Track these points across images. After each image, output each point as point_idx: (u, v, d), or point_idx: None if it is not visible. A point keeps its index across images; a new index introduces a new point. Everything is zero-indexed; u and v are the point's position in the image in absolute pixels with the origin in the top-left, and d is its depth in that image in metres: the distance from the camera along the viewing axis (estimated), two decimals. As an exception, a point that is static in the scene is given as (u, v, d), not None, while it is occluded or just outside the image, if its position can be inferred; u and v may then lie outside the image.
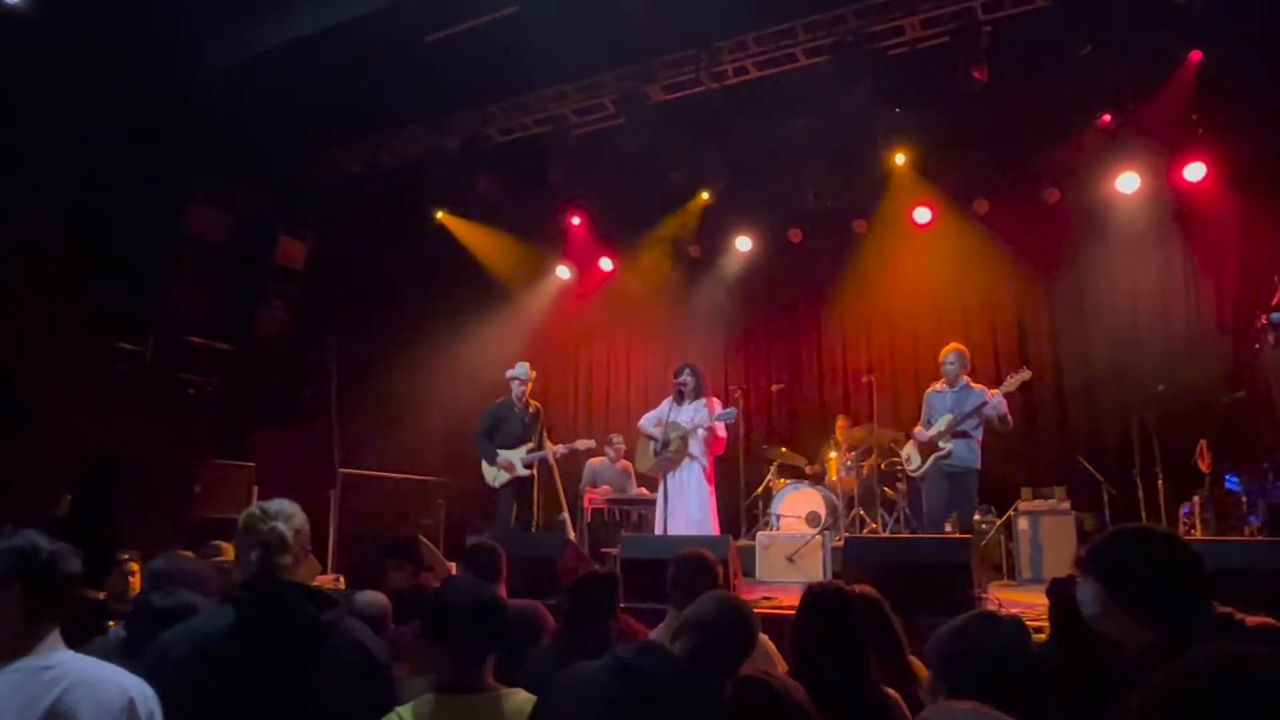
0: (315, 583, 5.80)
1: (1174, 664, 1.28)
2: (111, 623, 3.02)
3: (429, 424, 9.74)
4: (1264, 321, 5.97)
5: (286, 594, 1.99)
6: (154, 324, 7.97)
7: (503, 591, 3.99)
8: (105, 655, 1.97)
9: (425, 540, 5.78)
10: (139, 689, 1.79)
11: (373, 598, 3.01)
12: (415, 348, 9.67)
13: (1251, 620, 2.06)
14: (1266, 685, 1.19)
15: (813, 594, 2.60)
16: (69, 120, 6.91)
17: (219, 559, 3.76)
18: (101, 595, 4.01)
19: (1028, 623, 3.52)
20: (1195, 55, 7.06)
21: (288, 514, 2.14)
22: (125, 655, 2.23)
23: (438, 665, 2.22)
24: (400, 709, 2.02)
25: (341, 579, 6.68)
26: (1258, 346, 6.46)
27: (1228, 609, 2.05)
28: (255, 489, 7.73)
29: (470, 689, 2.17)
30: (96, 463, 6.94)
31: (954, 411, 6.46)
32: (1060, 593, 2.76)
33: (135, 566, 4.19)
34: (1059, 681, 2.27)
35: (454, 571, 4.60)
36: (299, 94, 7.28)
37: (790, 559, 7.03)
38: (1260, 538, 5.80)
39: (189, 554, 3.10)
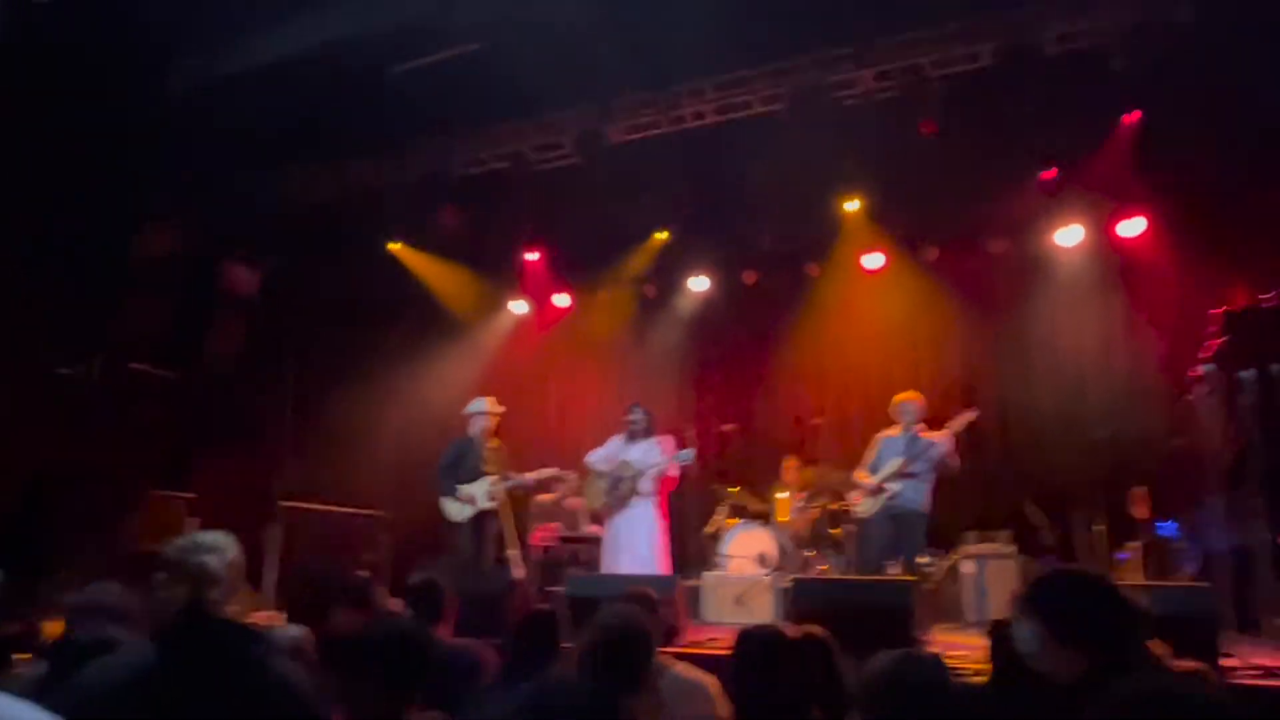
0: (252, 618, 5.64)
1: (1121, 687, 1.35)
2: (25, 656, 2.89)
3: (377, 457, 9.59)
4: (1198, 372, 6.18)
5: (215, 629, 1.93)
6: (99, 348, 7.77)
7: (448, 630, 3.92)
8: (20, 692, 1.89)
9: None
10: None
11: (293, 633, 2.92)
12: (366, 379, 9.54)
13: (1179, 665, 2.14)
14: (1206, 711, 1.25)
15: (745, 639, 2.61)
16: (17, 137, 6.77)
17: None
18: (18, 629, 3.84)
19: (970, 665, 3.57)
20: (1134, 115, 7.35)
21: (219, 547, 2.08)
22: (42, 692, 2.13)
23: (360, 704, 2.17)
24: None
25: (281, 615, 6.49)
26: (1192, 397, 6.67)
27: (1158, 654, 2.13)
28: (196, 520, 7.52)
29: (392, 725, 2.12)
30: (28, 488, 6.70)
31: (904, 455, 6.57)
32: (1000, 634, 2.84)
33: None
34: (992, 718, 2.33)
35: (395, 609, 4.50)
36: (260, 119, 7.25)
37: (738, 600, 7.00)
38: (1190, 583, 5.94)
39: (116, 586, 2.98)
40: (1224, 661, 4.28)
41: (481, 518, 7.06)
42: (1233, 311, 6.06)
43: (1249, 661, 4.31)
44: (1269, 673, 3.96)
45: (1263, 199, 7.42)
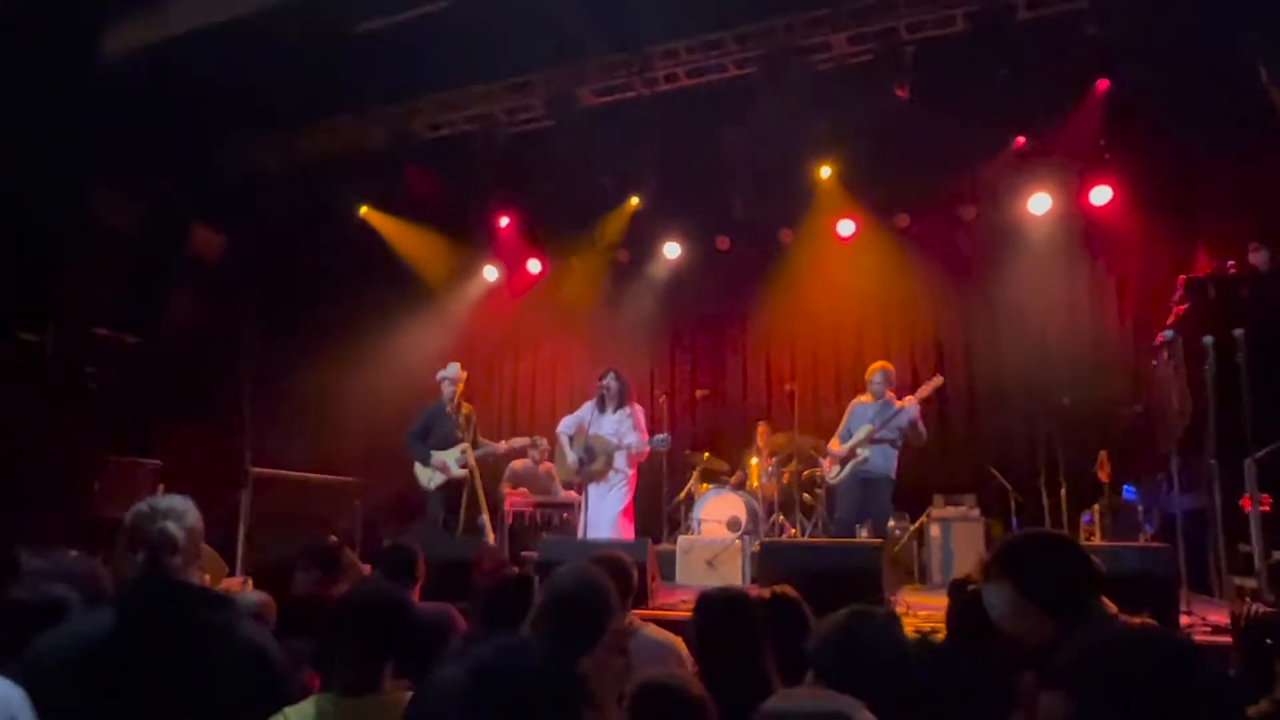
0: (222, 585, 5.60)
1: (1091, 634, 1.40)
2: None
3: (348, 423, 9.51)
4: (1160, 339, 6.27)
5: (175, 595, 1.90)
6: (55, 313, 7.59)
7: (417, 594, 3.92)
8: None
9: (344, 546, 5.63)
10: (4, 691, 1.68)
11: (254, 598, 2.90)
12: (335, 344, 9.43)
13: (1134, 621, 2.19)
14: (1167, 653, 1.36)
15: (704, 600, 2.65)
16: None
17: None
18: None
19: (936, 624, 3.63)
20: (1103, 83, 7.39)
21: (179, 512, 2.04)
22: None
23: (336, 665, 2.17)
24: (288, 710, 1.96)
25: (249, 581, 6.46)
26: (1155, 363, 6.78)
27: (1114, 610, 2.18)
28: (160, 487, 7.43)
29: (367, 690, 2.12)
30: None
31: (874, 422, 6.64)
32: (956, 592, 2.91)
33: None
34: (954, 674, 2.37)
35: (367, 574, 4.49)
36: (219, 79, 7.05)
37: (710, 563, 7.08)
38: (1150, 543, 6.09)
39: (76, 553, 2.94)
40: (1182, 619, 4.41)
41: (453, 484, 7.06)
42: (1194, 278, 6.14)
43: (1204, 618, 4.43)
44: (1220, 629, 4.08)
45: (1226, 169, 7.51)
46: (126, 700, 1.81)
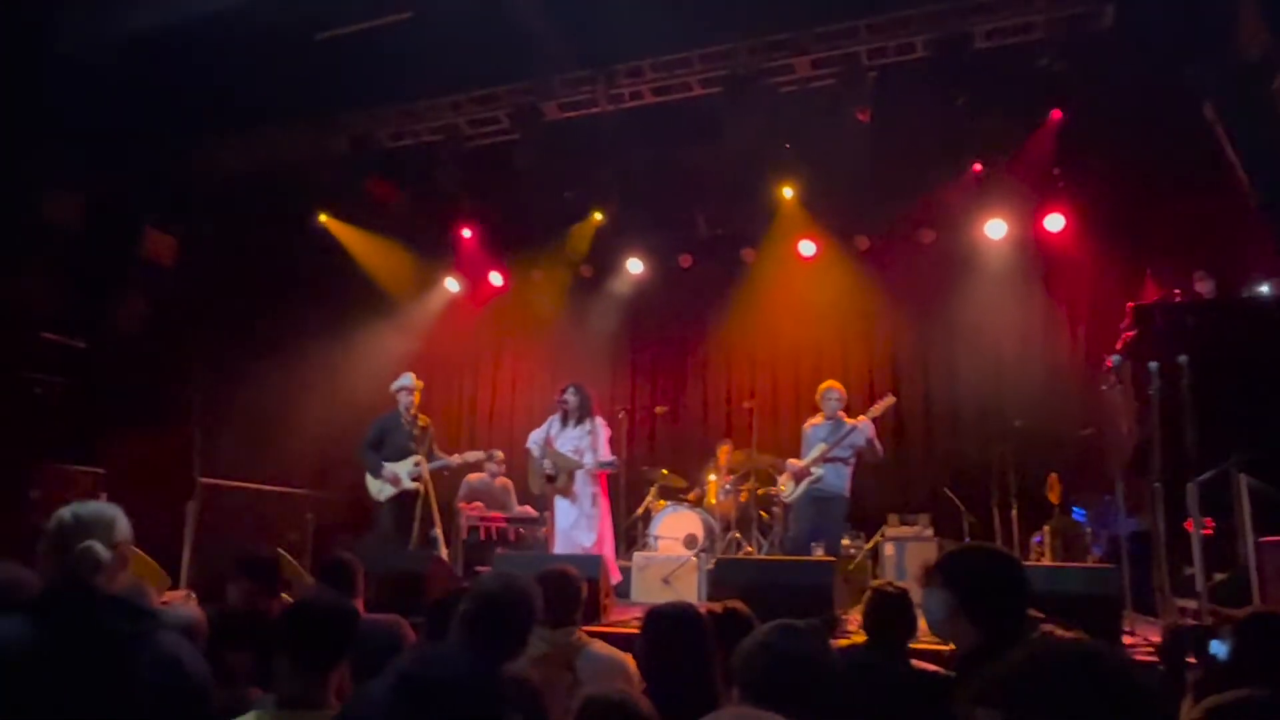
0: (165, 598, 5.45)
1: (1024, 650, 1.42)
2: None
3: (302, 434, 9.36)
4: (1109, 364, 6.41)
5: (88, 605, 1.82)
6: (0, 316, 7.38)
7: (360, 606, 3.85)
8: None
9: (288, 557, 5.52)
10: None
11: (184, 612, 2.82)
12: (291, 353, 9.28)
13: (1067, 637, 2.23)
14: (1102, 667, 1.37)
15: (652, 616, 2.64)
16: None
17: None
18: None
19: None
20: (1056, 114, 7.57)
21: (105, 523, 1.95)
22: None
23: (280, 678, 2.11)
24: (224, 723, 1.90)
25: (193, 594, 6.30)
26: (1104, 387, 6.92)
27: (1048, 625, 2.22)
28: (103, 495, 7.23)
29: (311, 704, 2.07)
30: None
31: (828, 441, 6.70)
32: (872, 598, 3.04)
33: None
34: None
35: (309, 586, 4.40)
36: (177, 80, 6.94)
37: (666, 580, 7.05)
38: (1097, 564, 6.19)
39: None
40: (1125, 639, 4.48)
41: (404, 497, 6.97)
42: (1142, 306, 6.29)
43: (1146, 638, 4.51)
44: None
45: (1174, 200, 7.73)
46: (34, 711, 1.73)
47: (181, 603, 5.69)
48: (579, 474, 6.82)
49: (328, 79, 7.29)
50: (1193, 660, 2.82)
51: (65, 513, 1.96)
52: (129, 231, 8.00)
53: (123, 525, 1.99)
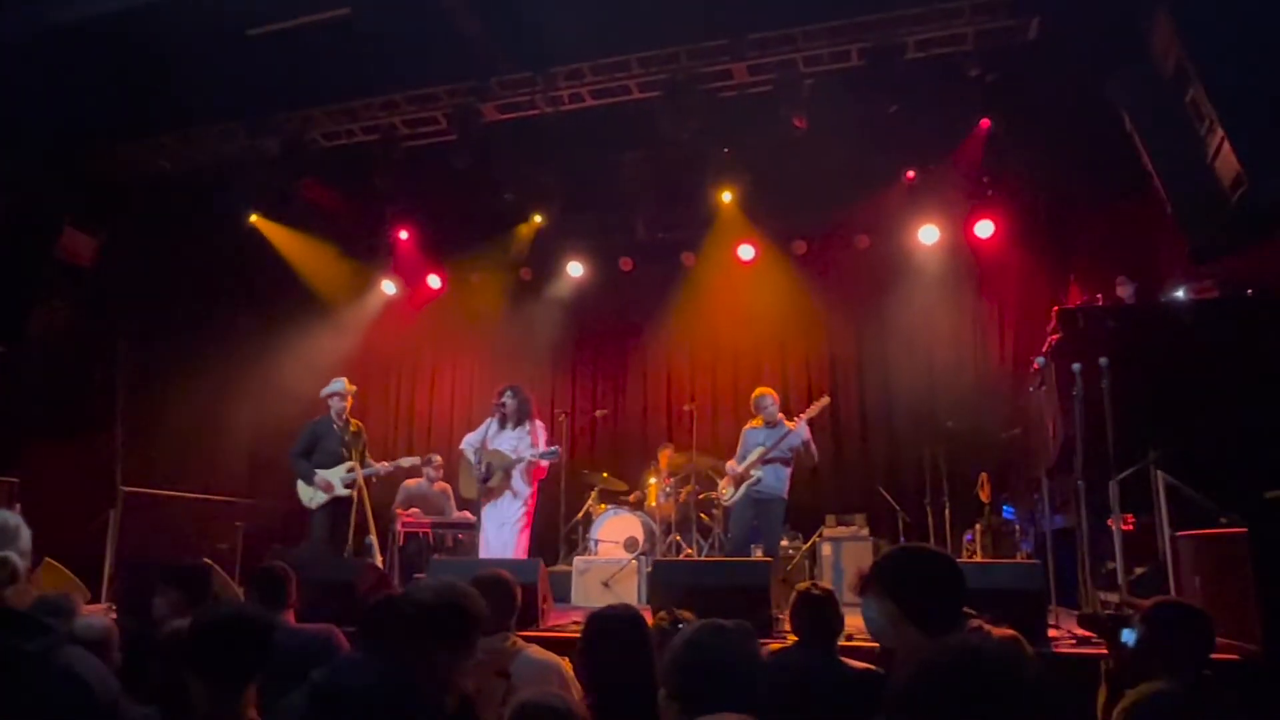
0: (84, 611, 5.23)
1: (923, 656, 1.43)
2: None
3: (231, 441, 9.11)
4: (1035, 367, 6.61)
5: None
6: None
7: (291, 617, 3.75)
8: None
9: (217, 568, 5.35)
10: None
11: (94, 623, 2.71)
12: (220, 357, 9.03)
13: (997, 632, 2.27)
14: (991, 666, 1.37)
15: (592, 621, 2.62)
16: None
17: None
18: None
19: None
20: (985, 122, 7.80)
21: (9, 534, 1.87)
22: None
23: (194, 695, 2.04)
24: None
25: (114, 608, 6.07)
26: (1031, 389, 7.13)
27: (979, 621, 2.26)
28: (17, 506, 6.91)
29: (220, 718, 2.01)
30: None
31: (765, 444, 6.77)
32: (798, 600, 3.08)
33: None
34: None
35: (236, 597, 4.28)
36: (97, 76, 6.68)
37: (606, 584, 7.05)
38: (1024, 560, 6.37)
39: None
40: (1050, 632, 4.62)
41: (339, 503, 6.82)
42: (1066, 309, 6.50)
43: (1070, 631, 4.65)
44: (1083, 641, 4.29)
45: (1096, 207, 8.03)
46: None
47: (100, 616, 5.48)
48: (516, 471, 6.71)
49: (259, 77, 7.10)
50: (1104, 651, 2.91)
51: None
52: (47, 232, 7.67)
53: (25, 533, 1.90)
